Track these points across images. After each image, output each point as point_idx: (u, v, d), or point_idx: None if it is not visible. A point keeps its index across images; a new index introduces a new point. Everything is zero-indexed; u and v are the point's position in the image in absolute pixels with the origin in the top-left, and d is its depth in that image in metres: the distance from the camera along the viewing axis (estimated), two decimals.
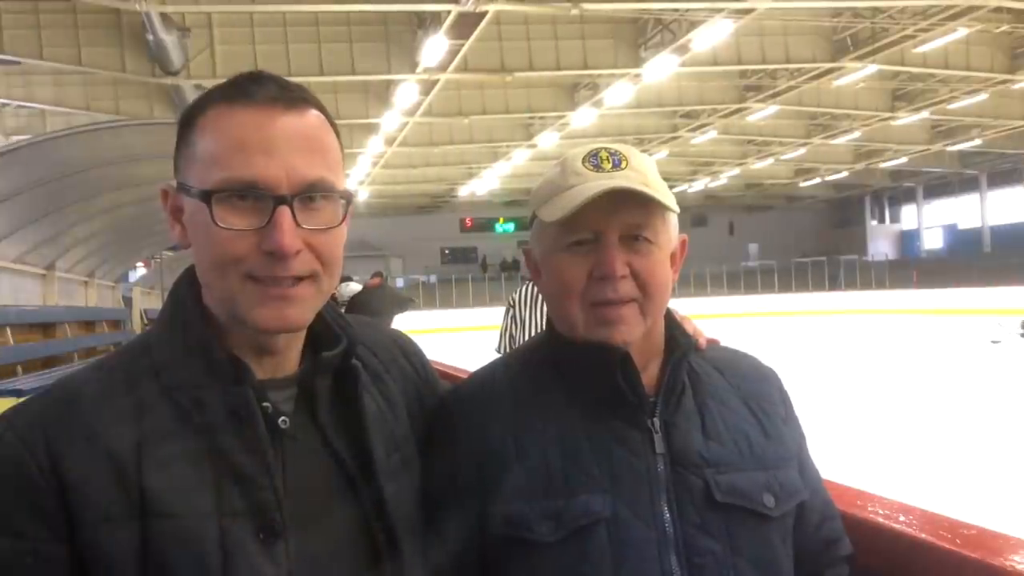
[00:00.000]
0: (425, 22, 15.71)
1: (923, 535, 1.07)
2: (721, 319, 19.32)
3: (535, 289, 6.72)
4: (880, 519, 1.14)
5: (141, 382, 0.92)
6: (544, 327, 1.23)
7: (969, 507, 5.58)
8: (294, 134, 0.91)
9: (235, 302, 0.91)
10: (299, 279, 0.90)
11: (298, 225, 0.89)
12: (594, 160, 1.08)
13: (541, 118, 23.90)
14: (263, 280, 0.89)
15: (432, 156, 28.94)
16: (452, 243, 46.08)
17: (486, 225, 45.98)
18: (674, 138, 27.72)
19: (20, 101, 18.98)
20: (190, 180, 0.92)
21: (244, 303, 0.90)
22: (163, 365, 0.93)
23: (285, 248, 0.88)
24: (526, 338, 6.88)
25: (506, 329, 6.27)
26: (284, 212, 0.88)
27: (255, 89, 0.92)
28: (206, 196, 0.89)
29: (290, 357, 0.99)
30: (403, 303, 10.72)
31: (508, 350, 6.94)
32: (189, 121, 0.94)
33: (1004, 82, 21.46)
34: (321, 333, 1.01)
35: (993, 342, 16.83)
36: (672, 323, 1.15)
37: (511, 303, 6.20)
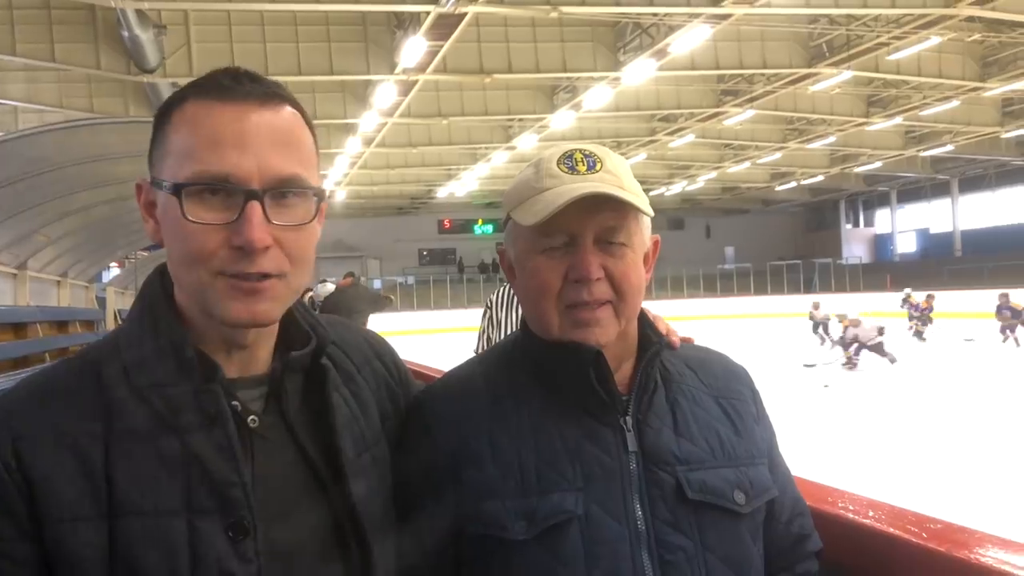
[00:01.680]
0: (404, 23, 15.66)
1: (891, 530, 1.08)
2: (697, 321, 19.45)
3: (511, 291, 6.77)
4: (850, 515, 1.16)
5: (110, 379, 0.91)
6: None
7: (941, 503, 5.67)
8: (268, 129, 0.90)
9: (205, 296, 0.91)
10: (267, 275, 0.90)
11: (269, 221, 0.89)
12: (569, 162, 1.08)
13: (520, 120, 23.89)
14: (232, 275, 0.89)
15: (410, 157, 28.82)
16: (430, 244, 45.93)
17: (464, 227, 45.89)
18: (652, 141, 27.82)
19: None
20: (163, 174, 0.91)
21: (213, 297, 0.90)
22: (132, 362, 0.93)
23: (255, 242, 0.87)
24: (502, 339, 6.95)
25: (483, 331, 6.30)
26: (255, 207, 0.88)
27: (230, 84, 0.91)
28: (177, 189, 0.88)
29: (261, 355, 0.98)
30: (378, 301, 10.68)
31: None
32: (164, 116, 0.93)
33: (975, 90, 21.78)
34: (292, 332, 1.02)
35: (966, 340, 17.26)
36: (645, 322, 1.16)
37: (488, 305, 6.22)
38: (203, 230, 0.88)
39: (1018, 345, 17.45)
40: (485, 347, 6.22)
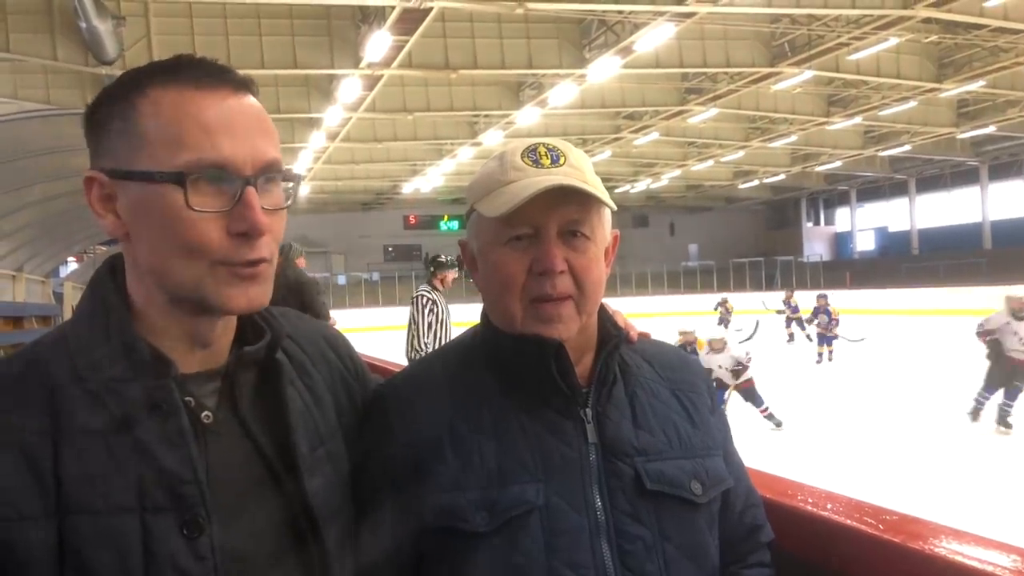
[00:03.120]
0: (369, 17, 15.55)
1: (848, 521, 1.10)
2: (661, 318, 19.61)
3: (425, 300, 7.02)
4: (809, 507, 1.18)
5: (58, 376, 0.89)
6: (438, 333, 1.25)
7: (898, 495, 5.79)
8: (251, 115, 0.91)
9: (201, 287, 0.89)
10: (264, 260, 0.91)
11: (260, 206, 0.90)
12: (533, 155, 1.10)
13: (486, 116, 23.85)
14: (234, 263, 0.89)
15: (375, 152, 28.65)
16: (395, 240, 45.66)
17: (430, 223, 45.70)
18: (617, 139, 27.98)
19: None
20: (141, 164, 0.88)
21: (212, 286, 0.89)
22: (82, 359, 0.90)
23: (262, 226, 0.88)
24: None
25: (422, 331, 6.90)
26: (253, 193, 0.89)
27: (198, 70, 0.90)
28: (180, 178, 0.86)
29: (219, 350, 0.97)
30: (303, 290, 10.17)
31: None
32: (122, 101, 0.90)
33: (932, 90, 22.23)
34: (246, 326, 1.01)
35: (859, 340, 17.43)
36: (604, 316, 1.18)
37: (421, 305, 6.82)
38: (204, 219, 0.87)
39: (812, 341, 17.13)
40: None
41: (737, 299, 28.88)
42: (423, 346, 7.15)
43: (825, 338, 16.15)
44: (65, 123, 7.55)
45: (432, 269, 7.31)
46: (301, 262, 6.55)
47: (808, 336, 17.90)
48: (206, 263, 0.89)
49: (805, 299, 19.58)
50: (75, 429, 0.86)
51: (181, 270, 0.89)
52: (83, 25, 13.59)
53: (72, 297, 13.35)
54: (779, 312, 20.62)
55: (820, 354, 16.05)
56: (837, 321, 16.16)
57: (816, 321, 16.35)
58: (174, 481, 0.87)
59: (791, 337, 19.91)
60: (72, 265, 23.65)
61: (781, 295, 21.60)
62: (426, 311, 7.11)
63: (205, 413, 0.93)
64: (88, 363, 0.90)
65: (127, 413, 0.88)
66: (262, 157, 0.90)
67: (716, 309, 21.70)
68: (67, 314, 12.43)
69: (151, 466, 0.87)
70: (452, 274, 7.31)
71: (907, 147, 31.14)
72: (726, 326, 20.40)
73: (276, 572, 0.94)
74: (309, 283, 6.28)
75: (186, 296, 0.91)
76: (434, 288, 7.24)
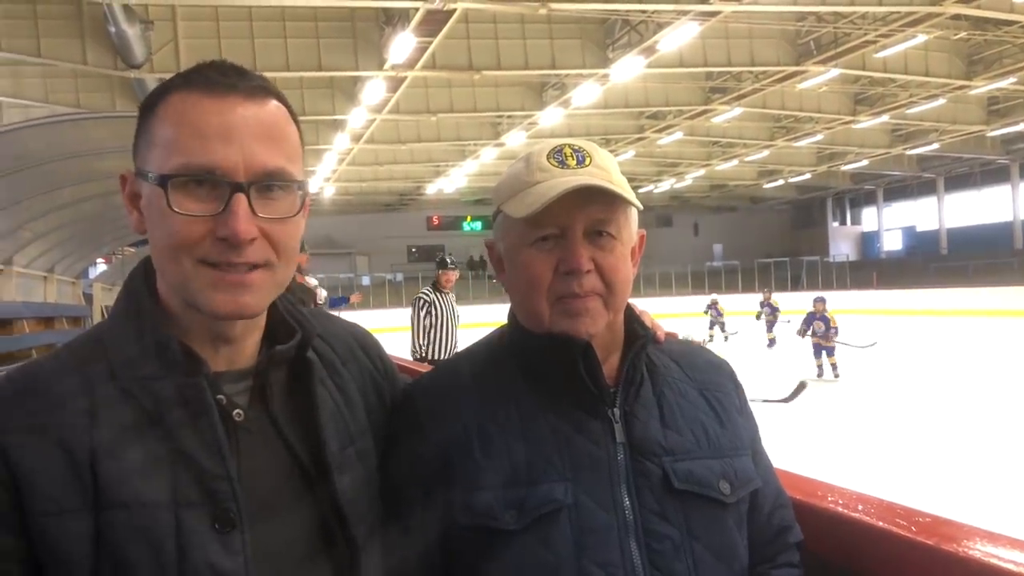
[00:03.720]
0: (393, 19, 15.63)
1: (880, 523, 1.09)
2: (686, 319, 19.50)
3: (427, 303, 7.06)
4: (839, 508, 1.17)
5: (95, 373, 0.91)
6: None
7: (929, 496, 5.71)
8: (253, 122, 0.91)
9: (188, 287, 0.91)
10: (254, 266, 0.91)
11: (254, 213, 0.89)
12: (559, 156, 1.10)
13: (509, 117, 23.88)
14: (217, 265, 0.89)
15: (399, 154, 28.77)
16: (419, 241, 45.86)
17: (453, 223, 45.86)
18: (640, 139, 27.89)
19: None
20: (148, 166, 0.91)
21: (197, 288, 0.90)
22: (116, 356, 0.93)
23: (240, 235, 0.88)
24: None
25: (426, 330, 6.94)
26: (240, 199, 0.89)
27: (216, 77, 0.92)
28: (163, 181, 0.89)
29: (246, 348, 0.99)
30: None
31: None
32: (149, 107, 0.94)
33: (961, 88, 21.94)
34: (277, 326, 1.02)
35: (870, 345, 16.48)
36: (632, 316, 1.18)
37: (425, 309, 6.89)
38: (188, 221, 0.88)
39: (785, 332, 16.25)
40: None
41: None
42: (419, 347, 7.28)
43: (824, 349, 13.68)
44: (94, 127, 7.66)
45: (436, 270, 7.39)
46: (303, 259, 6.60)
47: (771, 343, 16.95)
48: (190, 262, 0.90)
49: (830, 301, 19.21)
50: (111, 426, 0.88)
51: (170, 268, 0.92)
52: (112, 29, 13.81)
53: (101, 298, 13.54)
54: (757, 317, 19.40)
55: (820, 367, 13.59)
56: (836, 329, 13.64)
57: (810, 331, 13.83)
58: (206, 477, 0.89)
59: (772, 342, 18.57)
60: (101, 266, 23.97)
61: (809, 296, 20.89)
62: (422, 314, 7.21)
63: (236, 411, 0.94)
64: (122, 361, 0.92)
65: (160, 410, 0.90)
66: (260, 164, 0.90)
67: (707, 311, 20.62)
68: (96, 315, 12.62)
69: (184, 462, 0.89)
70: (453, 275, 7.33)
71: (935, 145, 30.77)
72: (722, 328, 20.10)
73: (306, 567, 0.96)
74: (294, 289, 6.39)
75: (179, 296, 0.93)
76: (437, 289, 7.27)
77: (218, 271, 0.90)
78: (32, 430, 0.87)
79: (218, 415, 0.91)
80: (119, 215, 10.09)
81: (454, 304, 7.37)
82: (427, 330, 7.15)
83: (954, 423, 9.51)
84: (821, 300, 14.20)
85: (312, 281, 10.73)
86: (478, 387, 1.14)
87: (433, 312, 7.13)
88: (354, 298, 10.42)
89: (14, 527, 0.84)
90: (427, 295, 7.23)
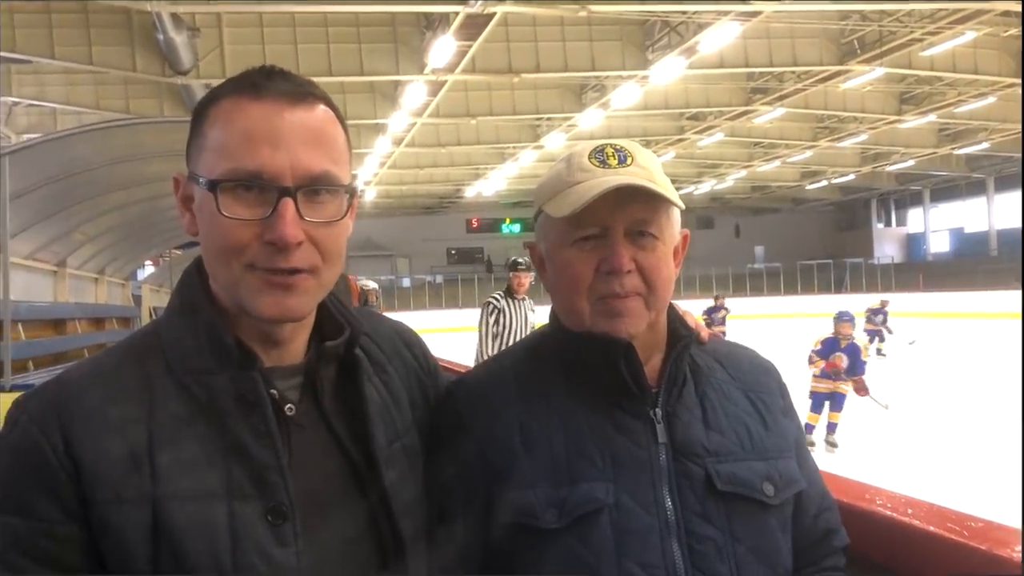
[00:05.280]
0: (433, 23, 15.73)
1: (931, 527, 1.09)
2: (727, 321, 19.28)
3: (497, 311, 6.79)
4: (887, 512, 1.16)
5: (152, 367, 0.94)
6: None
7: (973, 502, 5.59)
8: (301, 127, 0.92)
9: (237, 290, 0.93)
10: (299, 271, 0.92)
11: (301, 217, 0.91)
12: (600, 156, 1.11)
13: (548, 119, 23.88)
14: (264, 270, 0.91)
15: (439, 157, 28.92)
16: (458, 243, 46.06)
17: (492, 226, 45.95)
18: (681, 140, 27.66)
19: (31, 100, 18.99)
20: (199, 170, 0.94)
21: (246, 291, 0.92)
22: (173, 351, 0.96)
23: (287, 239, 0.90)
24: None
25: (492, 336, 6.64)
26: (288, 204, 0.90)
27: (264, 82, 0.93)
28: (212, 185, 0.91)
29: (295, 347, 1.01)
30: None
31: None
32: (201, 112, 0.96)
33: (1011, 86, 21.35)
34: (325, 323, 1.04)
35: (910, 343, 16.79)
36: (674, 317, 1.18)
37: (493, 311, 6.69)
38: (237, 225, 0.91)
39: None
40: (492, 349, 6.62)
41: (807, 302, 28.23)
42: (484, 356, 6.72)
43: (875, 333, 16.57)
44: (143, 132, 7.83)
45: (507, 272, 6.87)
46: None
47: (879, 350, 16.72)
48: (239, 266, 0.92)
49: (869, 301, 18.75)
50: (168, 418, 0.92)
51: (220, 271, 0.94)
52: (160, 37, 14.14)
53: (149, 299, 13.81)
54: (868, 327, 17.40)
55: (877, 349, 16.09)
56: (889, 330, 17.16)
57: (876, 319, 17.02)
58: (260, 469, 0.92)
59: (879, 351, 17.09)
60: (149, 268, 24.48)
61: (875, 299, 19.10)
62: (490, 320, 6.71)
63: (288, 405, 0.97)
64: (178, 356, 0.95)
65: (215, 404, 0.93)
66: (307, 168, 0.91)
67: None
68: (145, 316, 12.88)
69: (238, 455, 0.92)
70: (526, 278, 6.71)
71: (985, 145, 30.02)
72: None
73: (355, 560, 0.98)
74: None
75: (228, 297, 0.96)
76: (508, 294, 6.79)
77: (265, 274, 0.91)
78: (94, 422, 0.89)
79: (271, 408, 0.94)
80: (164, 218, 10.31)
81: (528, 311, 6.80)
82: (495, 337, 6.66)
83: (1005, 430, 9.27)
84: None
85: (371, 284, 10.78)
86: (520, 386, 1.15)
87: (502, 320, 6.67)
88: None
89: (78, 516, 0.87)
90: (496, 300, 6.75)
